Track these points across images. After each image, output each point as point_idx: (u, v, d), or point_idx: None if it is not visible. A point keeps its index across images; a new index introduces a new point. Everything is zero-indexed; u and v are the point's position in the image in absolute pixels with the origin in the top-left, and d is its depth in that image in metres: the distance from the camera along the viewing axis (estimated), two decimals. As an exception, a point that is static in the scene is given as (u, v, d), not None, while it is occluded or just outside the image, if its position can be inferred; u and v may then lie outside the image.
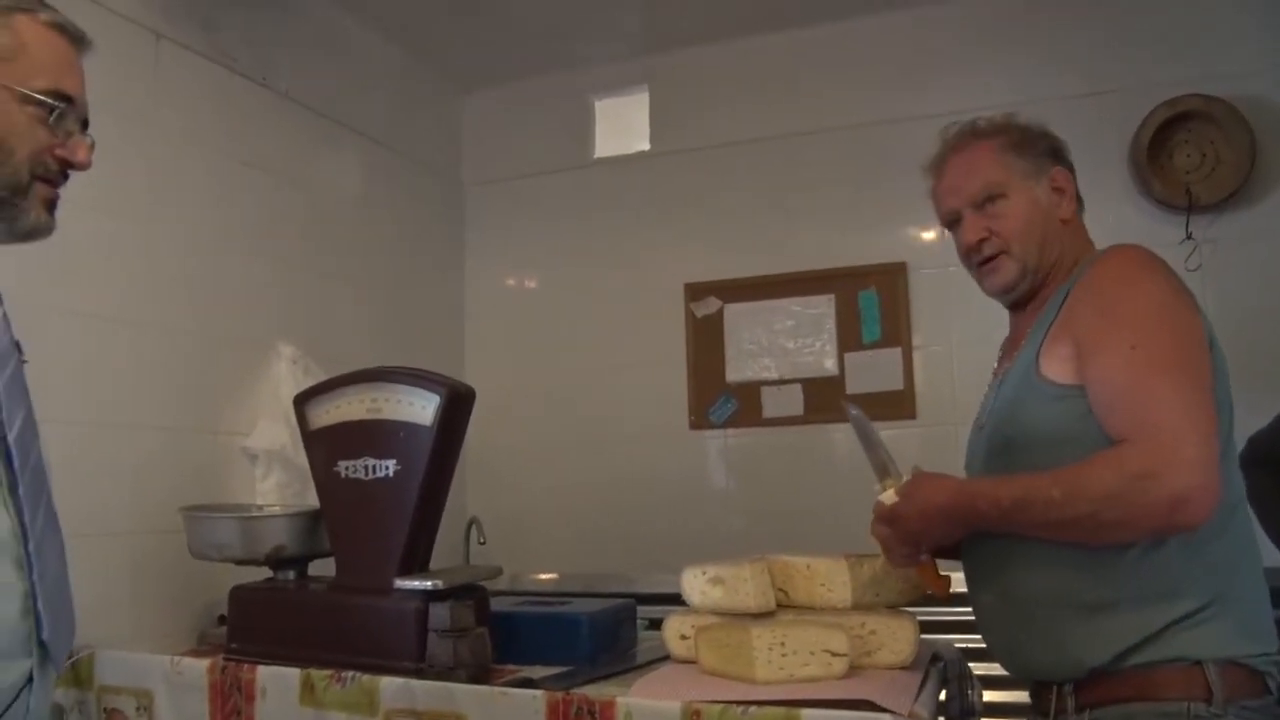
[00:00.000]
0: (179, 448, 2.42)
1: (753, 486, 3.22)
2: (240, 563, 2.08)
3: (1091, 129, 2.62)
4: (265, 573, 2.12)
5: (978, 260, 1.65)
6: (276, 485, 2.51)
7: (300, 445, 2.45)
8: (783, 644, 1.54)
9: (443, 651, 1.74)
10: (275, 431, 2.53)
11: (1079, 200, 1.69)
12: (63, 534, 1.26)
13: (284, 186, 2.88)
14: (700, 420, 3.28)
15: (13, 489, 1.15)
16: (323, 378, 2.60)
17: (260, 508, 2.25)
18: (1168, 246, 2.41)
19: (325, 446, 1.95)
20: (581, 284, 3.51)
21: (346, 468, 1.90)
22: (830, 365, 3.15)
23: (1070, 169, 1.68)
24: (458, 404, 1.84)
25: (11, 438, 1.17)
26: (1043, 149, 1.66)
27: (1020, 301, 1.67)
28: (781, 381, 3.19)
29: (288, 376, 2.63)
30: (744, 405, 3.24)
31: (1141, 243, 1.55)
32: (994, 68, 3.04)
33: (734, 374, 3.26)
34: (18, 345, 1.25)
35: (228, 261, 2.64)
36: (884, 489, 1.57)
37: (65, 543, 1.27)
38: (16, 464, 1.16)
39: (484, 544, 3.23)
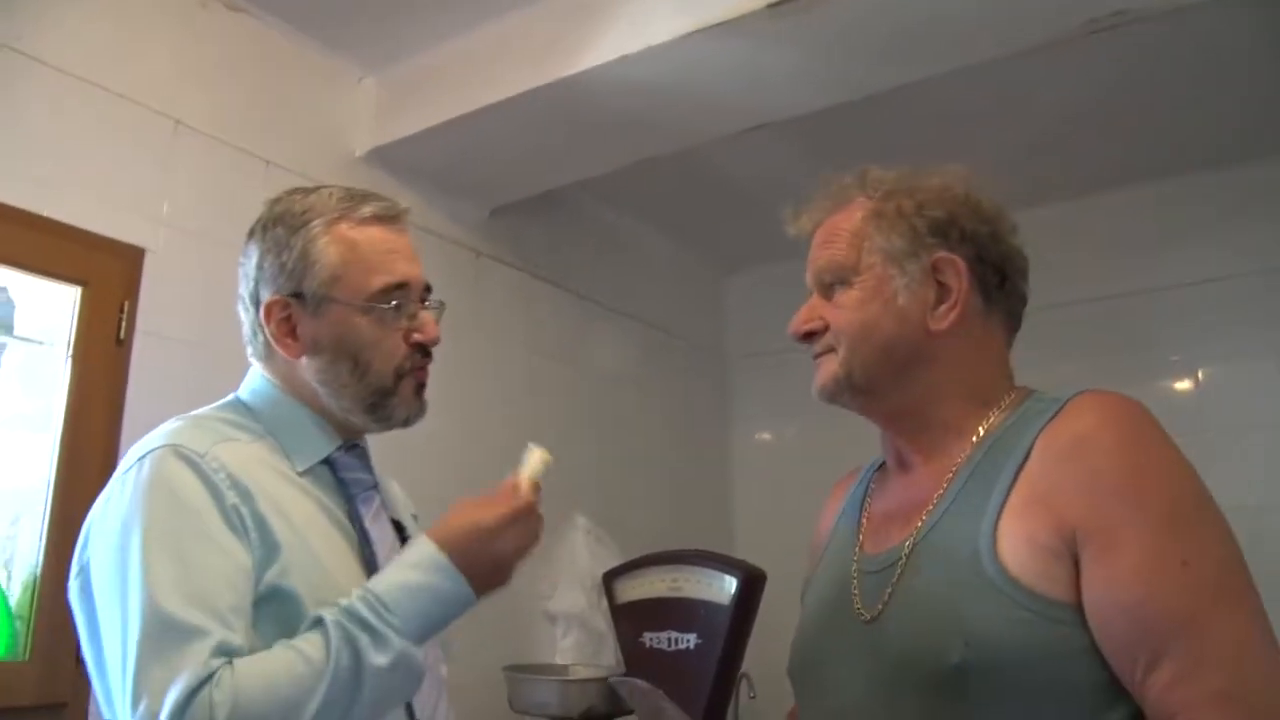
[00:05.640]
0: (494, 610, 2.74)
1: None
2: (554, 719, 2.35)
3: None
4: (570, 726, 2.37)
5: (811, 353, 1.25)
6: (575, 644, 2.79)
7: (595, 609, 2.75)
8: None
9: (745, 811, 1.92)
10: (574, 596, 2.83)
11: (1010, 314, 1.20)
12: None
13: (573, 372, 3.26)
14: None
15: None
16: (612, 546, 2.92)
17: (566, 669, 2.53)
18: None
19: (632, 619, 2.20)
20: (841, 450, 3.65)
21: (651, 638, 2.14)
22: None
23: (981, 258, 1.15)
24: (752, 585, 2.06)
25: None
26: (931, 223, 1.15)
27: (875, 411, 1.25)
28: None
29: (582, 546, 2.94)
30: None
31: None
32: (1242, 235, 3.08)
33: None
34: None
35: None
36: None
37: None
38: None
39: (754, 698, 3.38)
